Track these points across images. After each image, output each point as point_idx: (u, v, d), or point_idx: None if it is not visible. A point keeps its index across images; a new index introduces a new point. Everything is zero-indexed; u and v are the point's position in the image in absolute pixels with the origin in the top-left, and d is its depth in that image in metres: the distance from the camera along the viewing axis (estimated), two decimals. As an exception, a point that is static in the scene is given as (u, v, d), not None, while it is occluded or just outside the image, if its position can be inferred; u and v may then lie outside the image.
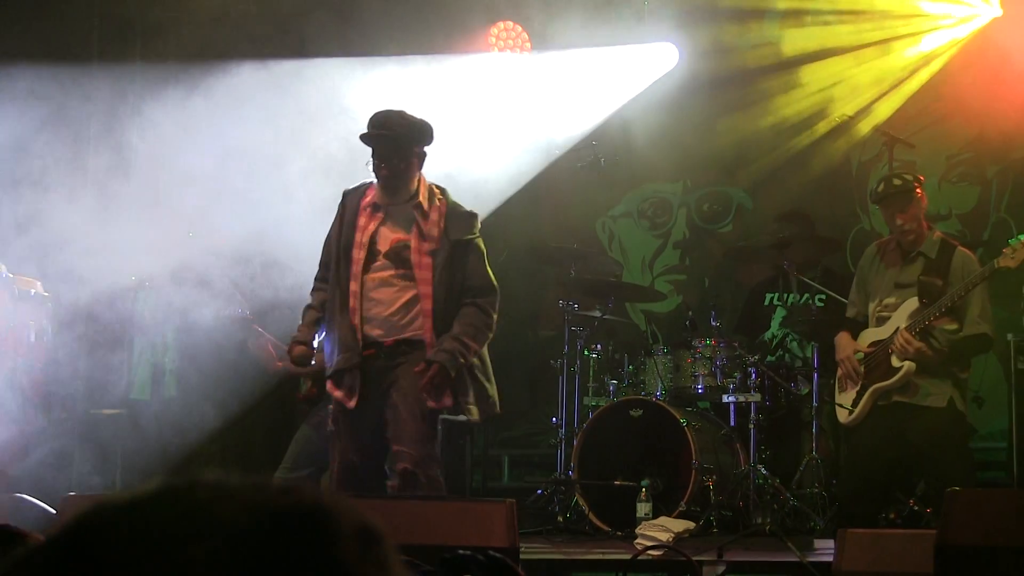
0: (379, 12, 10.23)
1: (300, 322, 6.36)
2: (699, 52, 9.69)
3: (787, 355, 8.12)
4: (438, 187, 6.29)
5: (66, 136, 8.71)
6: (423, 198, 6.15)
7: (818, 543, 6.80)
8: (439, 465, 6.25)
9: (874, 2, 9.29)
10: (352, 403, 6.06)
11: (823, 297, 8.02)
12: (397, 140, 6.11)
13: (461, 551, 1.83)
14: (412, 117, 6.23)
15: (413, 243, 6.12)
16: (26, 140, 8.30)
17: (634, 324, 9.77)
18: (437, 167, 8.89)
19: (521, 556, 5.61)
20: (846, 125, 9.20)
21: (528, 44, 9.95)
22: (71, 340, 8.18)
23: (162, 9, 9.62)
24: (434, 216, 6.14)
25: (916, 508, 6.92)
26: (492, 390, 6.26)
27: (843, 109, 9.40)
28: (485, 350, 6.29)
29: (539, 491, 8.13)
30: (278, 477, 6.63)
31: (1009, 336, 7.19)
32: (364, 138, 6.21)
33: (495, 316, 6.26)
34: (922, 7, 9.25)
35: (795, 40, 9.78)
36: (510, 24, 9.91)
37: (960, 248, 6.64)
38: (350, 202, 6.28)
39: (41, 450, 7.65)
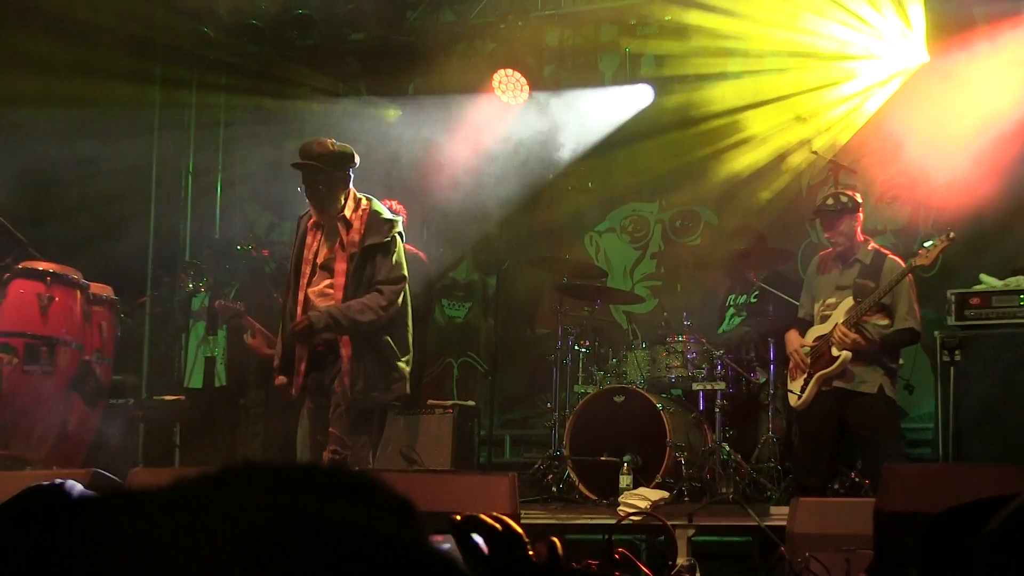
0: (400, 60, 10.27)
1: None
2: (671, 91, 9.69)
3: (746, 350, 8.11)
4: (366, 198, 6.16)
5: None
6: (348, 211, 6.05)
7: (774, 510, 6.78)
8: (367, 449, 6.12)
9: (821, 51, 9.28)
10: (294, 392, 6.06)
11: (756, 293, 8.04)
12: (316, 167, 5.99)
13: (468, 514, 1.81)
14: (333, 145, 6.08)
15: (337, 253, 6.05)
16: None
17: (617, 323, 9.76)
18: (451, 188, 8.94)
19: (521, 521, 5.60)
20: (797, 152, 9.18)
21: (526, 87, 9.96)
22: (137, 336, 8.19)
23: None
24: (356, 224, 6.04)
25: (857, 480, 6.90)
26: (404, 371, 6.06)
27: (794, 139, 9.39)
28: (408, 336, 6.14)
29: (536, 465, 8.11)
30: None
31: (936, 333, 7.18)
32: (293, 166, 6.16)
33: (394, 301, 6.00)
34: (864, 55, 9.25)
35: (755, 79, 9.78)
36: (510, 71, 9.92)
37: (890, 256, 6.66)
38: (302, 224, 6.23)
39: (112, 430, 7.64)
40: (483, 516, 1.77)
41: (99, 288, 7.31)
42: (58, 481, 2.04)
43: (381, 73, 10.50)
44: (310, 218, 6.18)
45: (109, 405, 7.54)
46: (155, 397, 9.01)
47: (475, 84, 9.98)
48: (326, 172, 6.00)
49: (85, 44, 8.86)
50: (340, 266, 6.01)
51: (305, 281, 6.07)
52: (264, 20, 10.16)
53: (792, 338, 6.71)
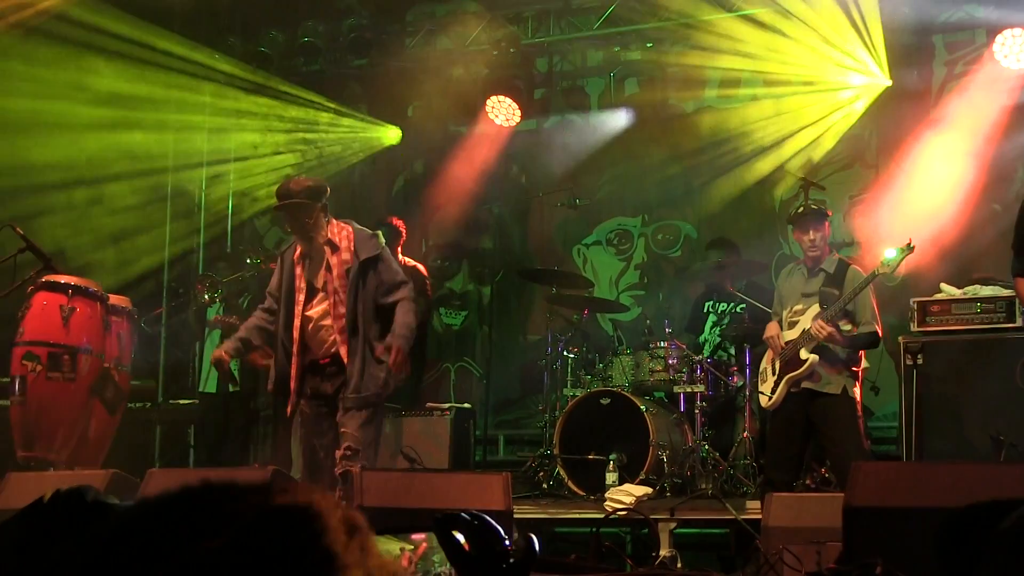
0: (400, 85, 10.29)
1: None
2: (653, 114, 9.72)
3: (725, 354, 8.12)
4: (345, 222, 6.23)
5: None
6: (332, 235, 6.12)
7: (750, 504, 6.78)
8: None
9: (793, 75, 9.30)
10: (287, 412, 6.10)
11: (743, 306, 8.03)
12: (297, 205, 6.04)
13: (450, 512, 1.81)
14: (306, 181, 6.19)
15: (329, 274, 6.09)
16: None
17: (604, 330, 9.76)
18: (448, 205, 8.94)
19: (514, 516, 5.59)
20: (770, 170, 9.20)
21: (518, 110, 9.98)
22: (155, 344, 8.18)
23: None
24: (344, 244, 6.11)
25: (827, 475, 6.91)
26: (381, 373, 6.08)
27: (767, 158, 9.42)
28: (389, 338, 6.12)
29: (528, 463, 8.11)
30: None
31: (900, 338, 7.19)
32: (276, 209, 6.24)
33: (412, 297, 6.19)
34: (831, 79, 9.28)
35: (730, 103, 9.81)
36: (502, 98, 9.94)
37: (853, 265, 6.68)
38: (286, 258, 6.28)
39: (130, 432, 7.63)
40: (463, 513, 1.77)
41: (118, 299, 7.30)
42: (76, 486, 2.05)
43: (382, 97, 10.51)
44: (294, 251, 6.23)
45: (128, 409, 7.53)
46: (171, 401, 9.00)
47: (470, 107, 10.00)
48: (307, 206, 6.05)
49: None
50: (335, 284, 6.07)
51: (300, 308, 6.11)
52: (272, 47, 10.19)
53: (772, 327, 6.71)
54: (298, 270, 6.17)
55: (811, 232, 6.57)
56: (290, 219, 6.15)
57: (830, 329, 6.33)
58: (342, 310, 6.04)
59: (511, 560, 1.75)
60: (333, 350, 6.07)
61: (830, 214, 6.76)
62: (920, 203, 8.87)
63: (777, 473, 6.55)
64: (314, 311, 6.12)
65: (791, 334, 6.57)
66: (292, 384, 6.07)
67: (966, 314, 7.00)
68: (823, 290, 6.52)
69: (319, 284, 6.13)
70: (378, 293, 6.09)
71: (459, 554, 1.75)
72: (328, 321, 6.08)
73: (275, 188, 6.25)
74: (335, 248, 6.11)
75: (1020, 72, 8.43)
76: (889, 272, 6.35)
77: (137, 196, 9.77)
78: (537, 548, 1.79)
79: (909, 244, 6.27)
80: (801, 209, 6.63)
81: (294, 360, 6.07)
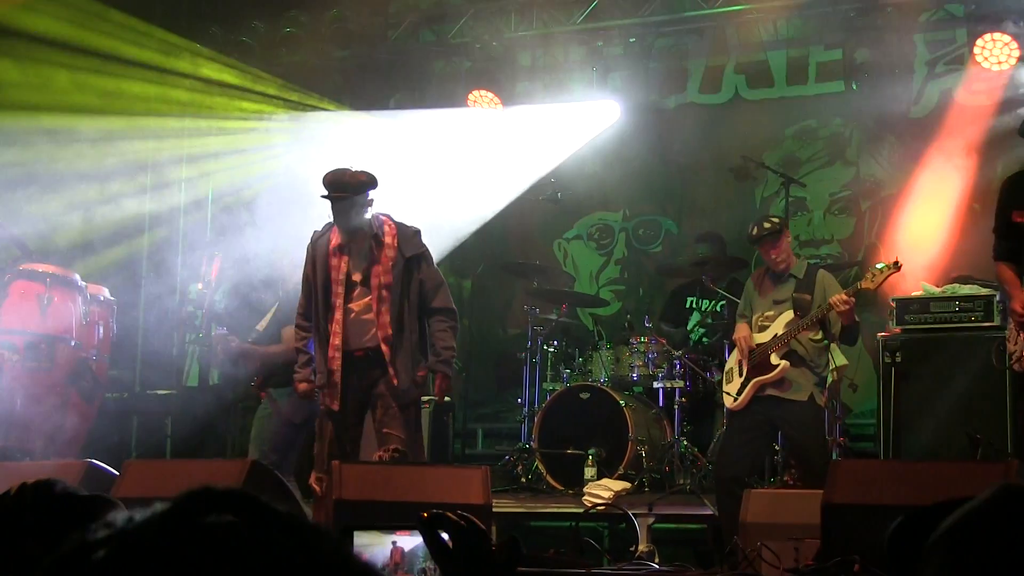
0: (382, 77, 10.25)
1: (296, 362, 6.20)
2: (635, 107, 9.72)
3: (706, 353, 8.13)
4: (384, 215, 6.14)
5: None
6: (377, 230, 6.03)
7: (727, 500, 6.79)
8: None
9: (771, 72, 9.32)
10: (336, 406, 6.02)
11: (724, 303, 8.04)
12: (352, 199, 5.93)
13: (435, 511, 1.80)
14: (359, 173, 6.00)
15: (374, 269, 6.00)
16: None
17: (583, 325, 9.76)
18: (430, 198, 8.92)
19: (493, 510, 5.58)
20: (752, 168, 9.20)
21: (500, 104, 9.96)
22: (133, 335, 8.13)
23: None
24: (388, 240, 6.02)
25: (790, 483, 6.91)
26: (421, 372, 6.10)
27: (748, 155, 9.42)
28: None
29: (506, 457, 8.11)
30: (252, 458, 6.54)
31: (878, 336, 7.22)
32: (328, 198, 5.99)
33: (453, 305, 6.20)
34: (810, 74, 9.30)
35: (712, 100, 9.83)
36: (484, 91, 9.91)
37: (822, 270, 6.66)
38: (319, 245, 6.13)
39: (107, 423, 7.58)
40: (449, 514, 1.76)
41: (96, 289, 7.25)
42: (44, 479, 2.03)
43: (364, 88, 10.47)
44: (329, 241, 6.09)
45: (105, 399, 7.48)
46: (148, 391, 8.95)
47: (452, 100, 9.98)
48: (359, 202, 5.94)
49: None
50: (378, 279, 5.97)
51: (340, 300, 5.99)
52: (254, 37, 10.12)
53: (742, 328, 6.67)
54: (334, 261, 6.03)
55: (771, 252, 6.54)
56: (337, 212, 5.98)
57: (851, 303, 6.23)
58: (386, 307, 5.95)
59: (495, 561, 1.74)
60: (370, 344, 5.98)
61: (787, 232, 6.69)
62: (899, 201, 8.92)
63: (726, 470, 6.47)
64: (355, 304, 6.01)
65: (761, 337, 6.54)
66: (337, 377, 5.97)
67: (944, 312, 7.03)
68: (795, 296, 6.50)
69: (359, 279, 6.01)
70: (422, 292, 6.05)
71: (444, 553, 1.74)
72: (370, 315, 5.97)
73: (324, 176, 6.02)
74: (380, 243, 6.01)
75: (1000, 72, 8.47)
76: (872, 289, 6.30)
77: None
78: (522, 550, 1.79)
79: (896, 263, 6.23)
80: (767, 225, 6.57)
81: (338, 354, 5.97)
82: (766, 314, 6.61)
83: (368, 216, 6.02)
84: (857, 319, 6.45)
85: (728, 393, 6.66)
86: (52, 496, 1.92)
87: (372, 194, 6.01)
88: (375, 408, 6.00)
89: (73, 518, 1.88)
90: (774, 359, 6.44)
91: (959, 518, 1.22)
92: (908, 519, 1.49)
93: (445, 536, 1.76)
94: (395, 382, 5.91)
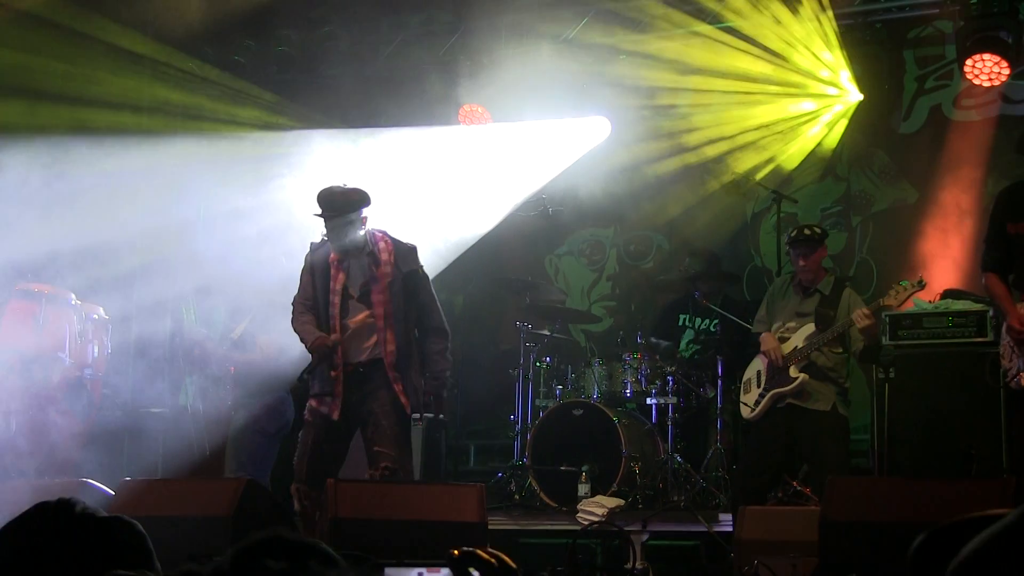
0: (374, 93, 10.26)
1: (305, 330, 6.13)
2: (626, 123, 9.74)
3: (696, 367, 8.13)
4: (380, 231, 6.17)
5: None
6: (372, 247, 6.06)
7: (722, 516, 6.80)
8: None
9: (766, 89, 9.35)
10: (336, 416, 6.02)
11: (716, 322, 8.04)
12: (345, 216, 5.97)
13: (466, 548, 1.80)
14: (351, 191, 6.05)
15: (372, 285, 6.04)
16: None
17: (575, 341, 9.77)
18: (422, 215, 8.92)
19: (488, 528, 5.57)
20: (743, 184, 9.22)
21: (490, 120, 9.97)
22: (127, 353, 8.09)
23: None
24: (384, 256, 6.06)
25: (799, 488, 6.93)
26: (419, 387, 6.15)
27: (739, 170, 9.44)
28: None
29: (499, 474, 8.10)
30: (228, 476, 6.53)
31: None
32: (321, 216, 6.03)
33: (446, 327, 6.26)
34: (805, 92, 9.33)
35: (704, 113, 9.84)
36: (474, 105, 9.93)
37: (849, 288, 6.71)
38: (318, 255, 6.16)
39: (100, 441, 7.54)
40: (479, 551, 1.76)
41: (91, 307, 7.24)
42: (64, 498, 2.03)
43: (355, 105, 10.47)
44: (328, 253, 6.11)
45: (99, 418, 7.45)
46: (141, 409, 8.90)
47: (443, 117, 9.99)
48: (352, 220, 5.98)
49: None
50: (379, 296, 6.02)
51: (337, 312, 6.03)
52: (247, 56, 10.13)
53: (769, 339, 6.69)
54: (332, 271, 6.07)
55: (801, 260, 6.58)
56: (331, 230, 6.02)
57: (872, 319, 6.26)
58: (391, 329, 5.99)
59: None
60: (363, 358, 6.02)
61: (824, 248, 6.73)
62: (890, 216, 8.95)
63: (748, 481, 6.52)
64: (352, 320, 6.05)
65: (783, 348, 6.58)
66: (338, 388, 5.99)
67: (937, 328, 7.06)
68: (819, 311, 6.52)
69: (356, 293, 6.05)
70: (419, 309, 6.11)
71: None
72: (367, 332, 6.02)
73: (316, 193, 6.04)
74: (376, 259, 6.05)
75: (990, 88, 8.51)
76: (895, 306, 6.34)
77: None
78: None
79: (920, 280, 6.25)
80: (807, 232, 6.61)
81: (339, 365, 6.00)
82: (787, 325, 6.64)
83: (362, 233, 6.03)
84: (881, 340, 6.48)
85: (745, 403, 6.69)
86: (72, 517, 1.93)
87: (365, 211, 6.03)
88: (366, 425, 6.00)
89: (93, 539, 1.88)
90: (793, 371, 6.47)
91: (984, 541, 1.22)
92: (931, 537, 1.49)
93: (475, 574, 1.75)
94: (403, 401, 5.95)
